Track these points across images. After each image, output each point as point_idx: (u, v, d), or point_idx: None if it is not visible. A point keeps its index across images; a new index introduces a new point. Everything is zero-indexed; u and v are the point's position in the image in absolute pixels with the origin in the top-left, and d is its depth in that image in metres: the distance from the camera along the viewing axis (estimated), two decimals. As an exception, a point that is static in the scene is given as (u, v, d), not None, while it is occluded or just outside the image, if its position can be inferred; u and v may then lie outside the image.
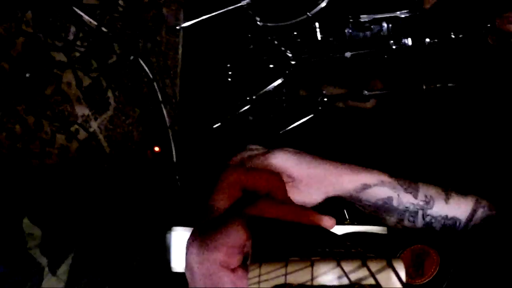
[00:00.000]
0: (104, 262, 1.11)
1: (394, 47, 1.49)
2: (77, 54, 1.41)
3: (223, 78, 1.89)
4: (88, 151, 1.41)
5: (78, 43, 1.41)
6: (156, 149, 1.61)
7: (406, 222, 0.76)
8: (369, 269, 0.34)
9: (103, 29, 1.45)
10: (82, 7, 1.40)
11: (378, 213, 0.75)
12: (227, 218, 0.49)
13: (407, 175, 0.79)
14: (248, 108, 1.87)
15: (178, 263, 0.69)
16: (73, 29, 1.40)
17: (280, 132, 1.81)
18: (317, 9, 1.59)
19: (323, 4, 1.57)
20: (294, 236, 0.44)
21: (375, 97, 1.62)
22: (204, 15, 1.75)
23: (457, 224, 0.75)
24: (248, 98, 1.85)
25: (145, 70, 1.58)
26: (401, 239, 0.74)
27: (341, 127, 1.68)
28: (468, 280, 0.67)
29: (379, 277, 0.34)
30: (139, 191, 1.39)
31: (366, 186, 0.74)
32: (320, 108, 1.73)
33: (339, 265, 0.35)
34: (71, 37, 1.40)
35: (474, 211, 0.75)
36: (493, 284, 0.66)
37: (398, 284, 0.33)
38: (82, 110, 1.43)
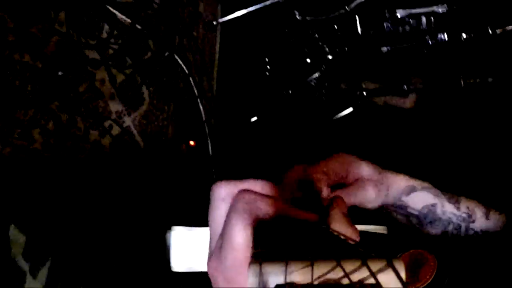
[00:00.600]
0: (82, 265, 1.15)
1: (430, 42, 1.46)
2: (111, 51, 1.44)
3: (261, 72, 1.90)
4: (122, 146, 1.45)
5: (112, 40, 1.44)
6: (191, 143, 1.63)
7: (449, 232, 0.75)
8: (369, 269, 0.35)
9: (137, 26, 1.48)
10: (116, 5, 1.44)
11: (423, 223, 0.75)
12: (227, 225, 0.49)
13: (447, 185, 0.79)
14: (287, 102, 1.88)
15: (178, 262, 0.71)
16: (106, 27, 1.44)
17: (317, 125, 1.81)
18: (356, 3, 1.57)
19: (362, -2, 1.56)
20: (294, 236, 0.45)
21: (415, 92, 1.59)
22: (242, 10, 1.76)
23: (494, 239, 0.74)
24: (285, 91, 1.85)
25: (180, 65, 1.60)
26: (401, 240, 0.74)
27: (379, 125, 1.66)
28: (465, 285, 0.67)
29: (380, 276, 0.34)
30: (167, 185, 1.42)
31: (413, 189, 0.74)
32: (359, 102, 1.71)
33: (339, 265, 0.35)
34: (104, 35, 1.43)
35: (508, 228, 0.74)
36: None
37: (398, 284, 0.34)
38: (116, 106, 1.47)
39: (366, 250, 0.37)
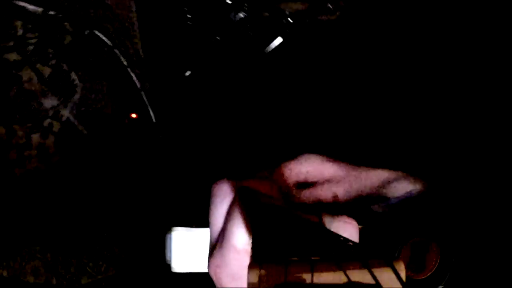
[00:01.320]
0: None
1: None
2: (31, 48, 1.36)
3: (183, 23, 1.84)
4: (66, 140, 1.41)
5: (29, 35, 1.36)
6: (133, 115, 1.60)
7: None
8: (369, 269, 0.35)
9: (51, 12, 1.39)
10: (23, -4, 1.34)
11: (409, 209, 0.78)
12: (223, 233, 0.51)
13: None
14: (216, 48, 1.85)
15: (178, 263, 0.72)
16: (19, 23, 1.35)
17: (251, 63, 1.79)
18: None
19: None
20: (294, 236, 0.45)
21: (341, 10, 1.57)
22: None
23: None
24: (213, 39, 1.81)
25: (102, 40, 1.53)
26: (400, 235, 0.77)
27: (313, 43, 1.64)
28: (470, 269, 0.70)
29: (380, 277, 0.34)
30: (132, 173, 1.41)
31: (392, 180, 0.76)
32: (287, 30, 1.70)
33: (339, 265, 0.35)
34: (20, 32, 1.35)
35: None
36: (497, 272, 0.69)
37: (399, 284, 0.34)
38: (50, 102, 1.41)
39: (366, 250, 0.38)
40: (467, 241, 0.71)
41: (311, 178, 0.72)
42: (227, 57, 1.77)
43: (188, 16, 1.80)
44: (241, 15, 1.69)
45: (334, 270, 0.35)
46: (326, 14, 1.59)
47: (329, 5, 1.55)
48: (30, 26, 1.35)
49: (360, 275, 0.35)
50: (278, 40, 1.65)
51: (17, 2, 1.32)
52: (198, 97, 1.77)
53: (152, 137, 1.59)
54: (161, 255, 0.78)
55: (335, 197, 0.73)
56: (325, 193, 0.72)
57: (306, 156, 0.73)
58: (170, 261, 0.73)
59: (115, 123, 1.56)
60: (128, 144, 1.56)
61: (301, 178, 0.72)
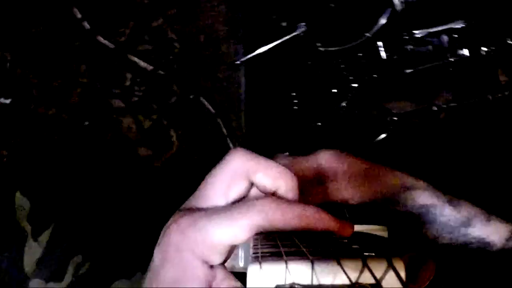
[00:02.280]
0: (84, 236, 1.17)
1: (452, 59, 1.45)
2: (136, 99, 1.47)
3: (288, 107, 1.89)
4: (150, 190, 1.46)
5: (136, 88, 1.47)
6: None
7: (444, 237, 0.74)
8: (369, 269, 0.35)
9: (160, 72, 1.50)
10: (137, 53, 1.47)
11: (418, 223, 0.74)
12: (228, 212, 0.45)
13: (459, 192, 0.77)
14: (317, 134, 1.87)
15: None
16: (129, 75, 1.47)
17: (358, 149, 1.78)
18: (376, 28, 1.57)
19: (383, 22, 1.55)
20: (294, 235, 0.46)
21: (445, 111, 1.57)
22: (263, 47, 1.77)
23: (492, 248, 0.71)
24: (314, 124, 1.84)
25: (207, 107, 1.61)
26: (401, 241, 0.72)
27: (415, 140, 1.64)
28: None
29: (380, 276, 0.35)
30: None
31: (408, 188, 0.73)
32: (391, 127, 1.69)
33: (339, 264, 0.35)
34: (127, 83, 1.47)
35: (510, 238, 0.71)
36: None
37: (399, 284, 0.34)
38: (144, 152, 1.48)
39: (366, 250, 0.38)
40: (463, 262, 0.66)
41: (325, 174, 0.69)
42: (327, 144, 1.78)
43: (295, 101, 1.85)
44: (344, 104, 1.71)
45: (334, 270, 0.35)
46: (433, 115, 1.59)
47: (435, 107, 1.55)
48: (138, 80, 1.46)
49: (360, 275, 0.35)
50: (382, 136, 1.65)
51: (130, 57, 1.44)
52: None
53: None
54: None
55: (349, 197, 0.69)
56: (338, 192, 0.69)
57: (323, 151, 0.70)
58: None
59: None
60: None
61: (314, 172, 0.69)
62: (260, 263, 0.36)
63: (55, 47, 1.30)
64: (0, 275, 1.08)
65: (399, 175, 0.70)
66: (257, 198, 0.46)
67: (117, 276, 1.14)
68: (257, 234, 0.44)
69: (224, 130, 1.64)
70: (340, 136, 1.76)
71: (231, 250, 0.46)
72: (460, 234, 0.71)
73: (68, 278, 1.10)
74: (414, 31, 1.41)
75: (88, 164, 1.26)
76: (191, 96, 1.57)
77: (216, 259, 0.45)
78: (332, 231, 0.45)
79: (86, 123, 1.35)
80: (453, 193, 0.72)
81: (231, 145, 1.65)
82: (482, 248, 0.70)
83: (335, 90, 1.74)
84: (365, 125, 1.73)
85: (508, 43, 1.30)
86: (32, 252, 1.12)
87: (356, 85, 1.67)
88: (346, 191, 0.69)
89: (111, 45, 1.40)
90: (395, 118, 1.64)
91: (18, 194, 1.13)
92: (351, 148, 1.73)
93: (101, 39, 1.37)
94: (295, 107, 1.86)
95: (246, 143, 1.79)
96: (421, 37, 1.44)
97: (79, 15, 1.32)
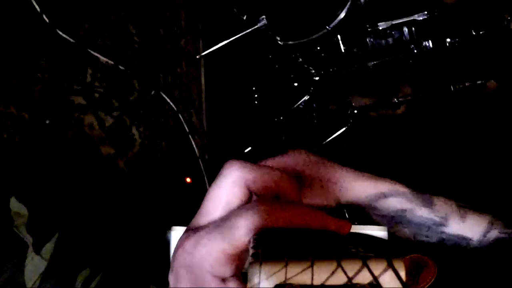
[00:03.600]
0: (90, 247, 1.11)
1: (415, 51, 1.47)
2: (97, 95, 1.42)
3: (249, 101, 1.88)
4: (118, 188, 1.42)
5: (97, 84, 1.42)
6: (188, 180, 1.60)
7: (420, 237, 0.74)
8: (369, 269, 0.35)
9: (120, 67, 1.46)
10: (97, 48, 1.42)
11: (392, 224, 0.73)
12: (226, 220, 0.45)
13: (427, 186, 0.76)
14: (279, 129, 1.86)
15: None
16: (90, 71, 1.42)
17: (314, 148, 1.79)
18: (336, 22, 1.57)
19: (342, 15, 1.55)
20: (294, 236, 0.44)
21: (405, 103, 1.59)
22: (223, 41, 1.75)
23: (469, 243, 0.72)
24: (276, 119, 1.83)
25: (168, 103, 1.58)
26: (402, 242, 0.72)
27: (375, 135, 1.66)
28: None
29: (380, 277, 0.34)
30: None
31: (382, 195, 0.72)
32: (351, 120, 1.70)
33: (339, 264, 0.35)
34: (88, 79, 1.41)
35: (487, 232, 0.71)
36: None
37: (399, 284, 0.34)
38: (107, 151, 1.44)
39: (366, 250, 0.37)
40: (464, 263, 0.66)
41: (301, 177, 0.67)
42: (288, 139, 1.79)
43: (255, 95, 1.84)
44: (306, 98, 1.72)
45: (334, 270, 0.35)
46: (392, 108, 1.60)
47: (395, 100, 1.57)
48: (99, 76, 1.41)
49: (359, 275, 0.34)
50: (341, 130, 1.66)
51: (91, 51, 1.39)
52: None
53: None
54: (161, 255, 0.75)
55: (323, 203, 0.68)
56: (313, 197, 0.67)
57: (296, 152, 0.68)
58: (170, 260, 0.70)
59: (168, 183, 1.57)
60: (178, 206, 1.55)
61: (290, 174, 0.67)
62: (260, 263, 0.36)
63: (14, 41, 1.23)
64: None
65: (377, 182, 0.70)
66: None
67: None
68: (256, 234, 0.44)
69: (186, 127, 1.61)
70: (300, 131, 1.76)
71: (242, 258, 0.45)
72: (436, 233, 0.71)
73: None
74: (378, 23, 1.43)
75: (53, 166, 1.20)
76: (152, 92, 1.53)
77: (226, 270, 0.45)
78: (331, 230, 0.45)
79: (47, 121, 1.29)
80: (425, 186, 0.73)
81: (192, 141, 1.62)
82: (458, 245, 0.72)
83: (296, 84, 1.74)
84: (325, 118, 1.74)
85: (472, 34, 1.33)
86: (35, 266, 1.04)
87: (317, 78, 1.67)
88: (319, 197, 0.68)
89: (71, 40, 1.34)
90: (355, 111, 1.66)
91: (13, 200, 1.05)
92: (311, 143, 1.74)
93: (61, 33, 1.31)
94: (256, 102, 1.85)
95: (208, 140, 1.76)
96: (382, 29, 1.45)
97: (38, 8, 1.26)
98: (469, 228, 0.72)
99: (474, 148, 1.37)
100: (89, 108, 1.39)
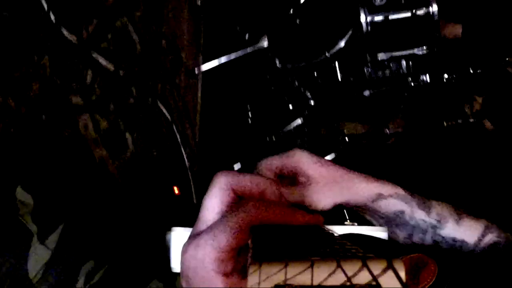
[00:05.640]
0: (95, 240, 1.11)
1: (412, 84, 1.49)
2: (94, 97, 1.44)
3: (243, 119, 1.90)
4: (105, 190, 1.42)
5: (95, 86, 1.44)
6: (176, 190, 1.61)
7: (415, 238, 0.77)
8: (369, 269, 0.34)
9: (120, 72, 1.48)
10: (99, 51, 1.44)
11: (388, 225, 0.74)
12: (217, 222, 0.50)
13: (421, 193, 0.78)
14: (269, 148, 1.88)
15: (178, 263, 0.68)
16: (90, 73, 1.44)
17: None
18: (335, 49, 1.59)
19: (342, 44, 1.57)
20: (294, 236, 0.45)
21: (396, 135, 1.61)
22: (223, 57, 1.77)
23: (464, 246, 0.73)
24: (268, 138, 1.85)
25: (163, 112, 1.60)
26: (401, 244, 0.73)
27: (363, 163, 1.67)
28: None
29: (379, 277, 0.34)
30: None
31: (380, 196, 0.75)
32: (341, 147, 1.72)
33: (339, 265, 0.35)
34: (88, 80, 1.43)
35: (482, 236, 0.73)
36: None
37: (398, 285, 0.34)
38: (99, 153, 1.45)
39: (366, 250, 0.38)
40: (466, 269, 0.67)
41: (301, 176, 0.69)
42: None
43: (250, 113, 1.87)
44: (300, 122, 1.73)
45: (334, 270, 0.35)
46: (383, 139, 1.62)
47: (387, 130, 1.59)
48: (98, 79, 1.43)
49: (359, 276, 0.34)
50: (331, 156, 1.67)
51: (93, 54, 1.41)
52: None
53: (189, 216, 1.56)
54: (161, 255, 0.76)
55: (320, 202, 0.69)
56: (312, 195, 0.69)
57: (299, 152, 0.70)
58: (170, 260, 0.71)
59: (156, 193, 1.57)
60: (165, 216, 1.55)
61: (290, 172, 0.69)
62: (259, 263, 0.36)
63: (18, 36, 1.25)
64: (1, 281, 0.99)
65: (376, 183, 0.72)
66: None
67: (134, 284, 1.07)
68: (256, 234, 0.46)
69: (178, 138, 1.62)
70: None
71: (242, 254, 0.49)
72: (431, 235, 0.73)
73: (79, 286, 1.01)
74: (378, 53, 1.45)
75: (57, 159, 1.21)
76: (149, 100, 1.55)
77: (227, 266, 0.49)
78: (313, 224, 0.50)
79: (44, 117, 1.30)
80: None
81: (184, 153, 1.64)
82: (454, 248, 0.73)
83: (291, 107, 1.76)
84: (316, 143, 1.76)
85: (470, 72, 1.36)
86: (39, 256, 1.02)
87: (312, 103, 1.69)
88: (319, 196, 0.70)
89: (75, 40, 1.36)
90: (346, 139, 1.67)
91: (19, 189, 1.04)
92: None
93: (65, 32, 1.33)
94: (249, 120, 1.87)
95: (199, 152, 1.78)
96: (381, 60, 1.47)
97: (45, 6, 1.28)
98: (465, 231, 0.74)
99: (464, 184, 1.38)
100: (86, 109, 1.40)
